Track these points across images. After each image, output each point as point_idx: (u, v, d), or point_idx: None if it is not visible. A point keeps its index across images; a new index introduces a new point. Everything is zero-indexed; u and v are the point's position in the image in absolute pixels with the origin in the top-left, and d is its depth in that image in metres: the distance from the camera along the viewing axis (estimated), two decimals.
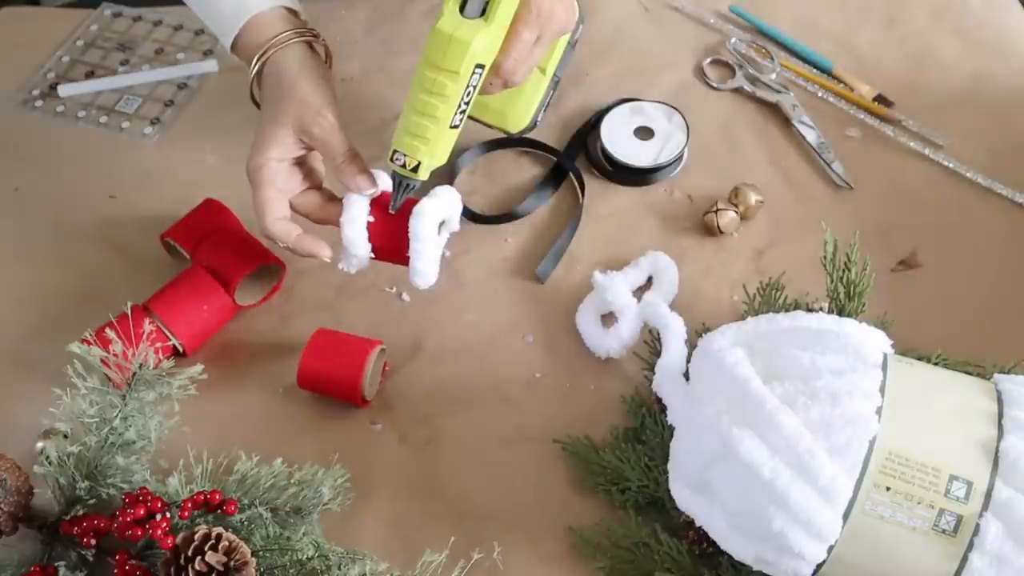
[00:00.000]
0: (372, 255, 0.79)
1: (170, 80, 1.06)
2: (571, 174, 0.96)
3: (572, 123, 1.00)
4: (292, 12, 0.81)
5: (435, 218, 0.76)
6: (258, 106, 0.81)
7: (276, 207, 0.78)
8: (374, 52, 1.08)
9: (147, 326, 0.81)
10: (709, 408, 0.64)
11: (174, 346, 0.84)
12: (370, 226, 0.78)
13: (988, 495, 0.60)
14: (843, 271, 0.77)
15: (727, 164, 0.97)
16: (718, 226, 0.90)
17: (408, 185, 0.76)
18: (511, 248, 0.92)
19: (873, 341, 0.66)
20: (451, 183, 0.95)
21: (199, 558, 0.63)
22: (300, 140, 0.78)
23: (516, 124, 0.89)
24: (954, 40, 1.06)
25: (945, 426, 0.63)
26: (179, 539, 0.64)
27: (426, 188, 0.78)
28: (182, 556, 0.63)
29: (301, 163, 0.80)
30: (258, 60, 0.78)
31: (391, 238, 0.78)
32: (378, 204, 0.78)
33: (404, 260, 0.78)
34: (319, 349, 0.80)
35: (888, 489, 0.61)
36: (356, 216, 0.77)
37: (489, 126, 0.90)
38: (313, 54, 0.80)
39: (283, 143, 0.77)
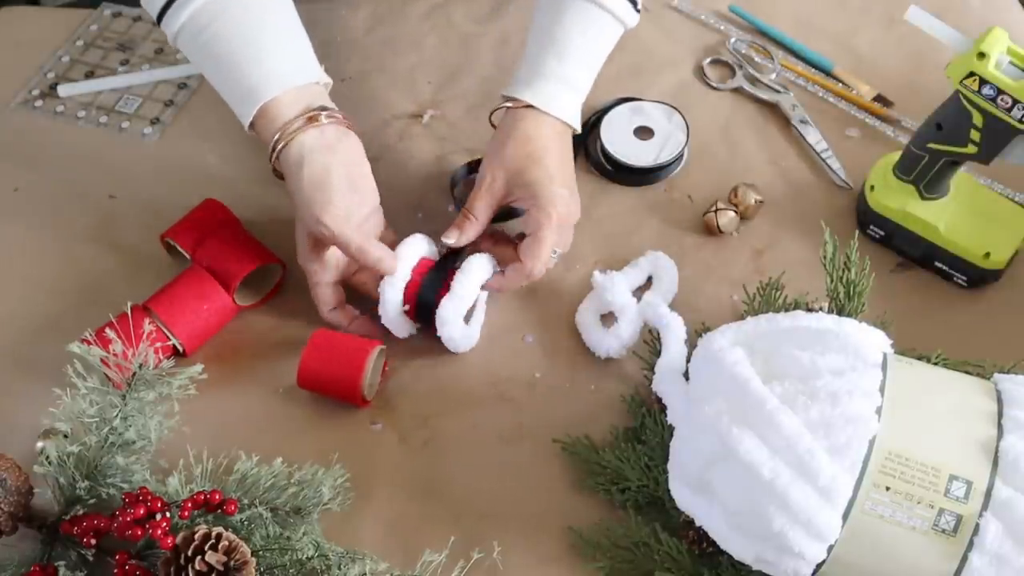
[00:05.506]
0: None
1: (170, 80, 1.06)
2: None
3: None
4: (307, 85, 0.82)
5: (463, 306, 0.82)
6: (281, 178, 0.83)
7: (328, 299, 0.84)
8: (374, 52, 1.07)
9: (147, 326, 0.81)
10: (709, 408, 0.64)
11: (174, 346, 0.84)
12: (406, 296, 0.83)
13: (988, 495, 0.60)
14: (843, 271, 0.77)
15: (727, 164, 0.97)
16: (718, 226, 0.90)
17: None
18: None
19: (873, 341, 0.66)
20: (452, 190, 0.95)
21: (199, 558, 0.63)
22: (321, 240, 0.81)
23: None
24: None
25: (945, 426, 0.63)
26: (179, 539, 0.64)
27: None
28: (182, 556, 0.63)
29: None
30: (271, 152, 0.80)
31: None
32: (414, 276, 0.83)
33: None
34: (319, 349, 0.80)
35: (888, 489, 0.61)
36: (389, 307, 0.83)
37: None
38: (322, 135, 0.80)
39: (310, 244, 0.82)
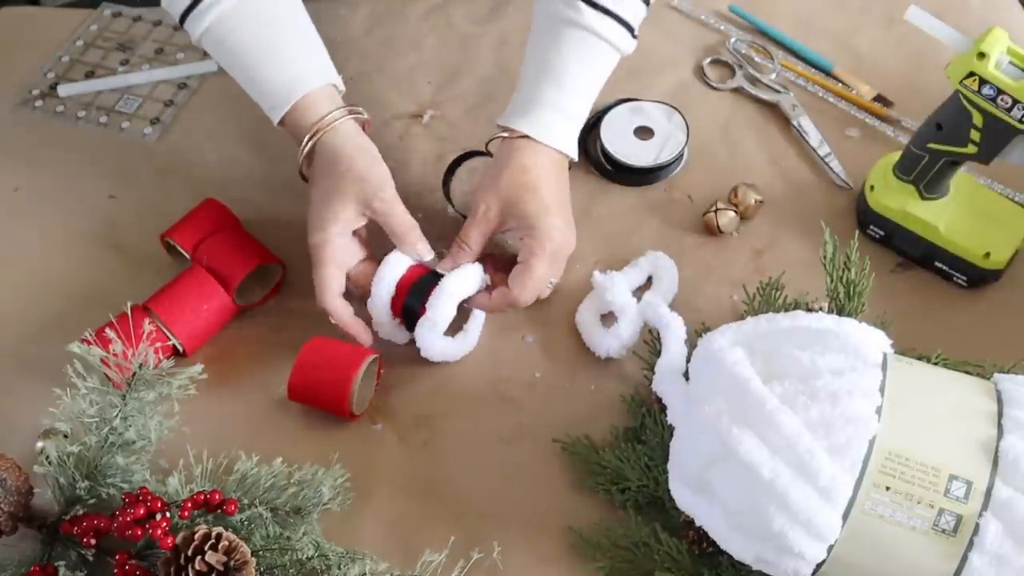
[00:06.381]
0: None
1: (170, 80, 1.06)
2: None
3: None
4: (334, 87, 0.85)
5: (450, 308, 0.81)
6: (305, 179, 0.84)
7: (336, 284, 0.82)
8: (374, 52, 1.08)
9: (147, 326, 0.81)
10: (709, 408, 0.64)
11: (174, 346, 0.84)
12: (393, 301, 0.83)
13: (988, 495, 0.60)
14: (843, 271, 0.77)
15: (727, 164, 0.97)
16: (718, 226, 0.91)
17: None
18: (510, 249, 0.92)
19: (873, 341, 0.66)
20: (444, 187, 0.95)
21: (199, 558, 0.63)
22: (362, 214, 0.82)
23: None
24: None
25: (945, 426, 0.63)
26: (179, 539, 0.64)
27: None
28: (182, 556, 0.63)
29: (358, 234, 0.85)
30: (309, 140, 0.82)
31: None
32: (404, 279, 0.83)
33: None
34: (306, 367, 0.80)
35: (888, 489, 0.61)
36: (379, 316, 0.83)
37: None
38: (359, 129, 0.84)
39: (345, 219, 0.81)
